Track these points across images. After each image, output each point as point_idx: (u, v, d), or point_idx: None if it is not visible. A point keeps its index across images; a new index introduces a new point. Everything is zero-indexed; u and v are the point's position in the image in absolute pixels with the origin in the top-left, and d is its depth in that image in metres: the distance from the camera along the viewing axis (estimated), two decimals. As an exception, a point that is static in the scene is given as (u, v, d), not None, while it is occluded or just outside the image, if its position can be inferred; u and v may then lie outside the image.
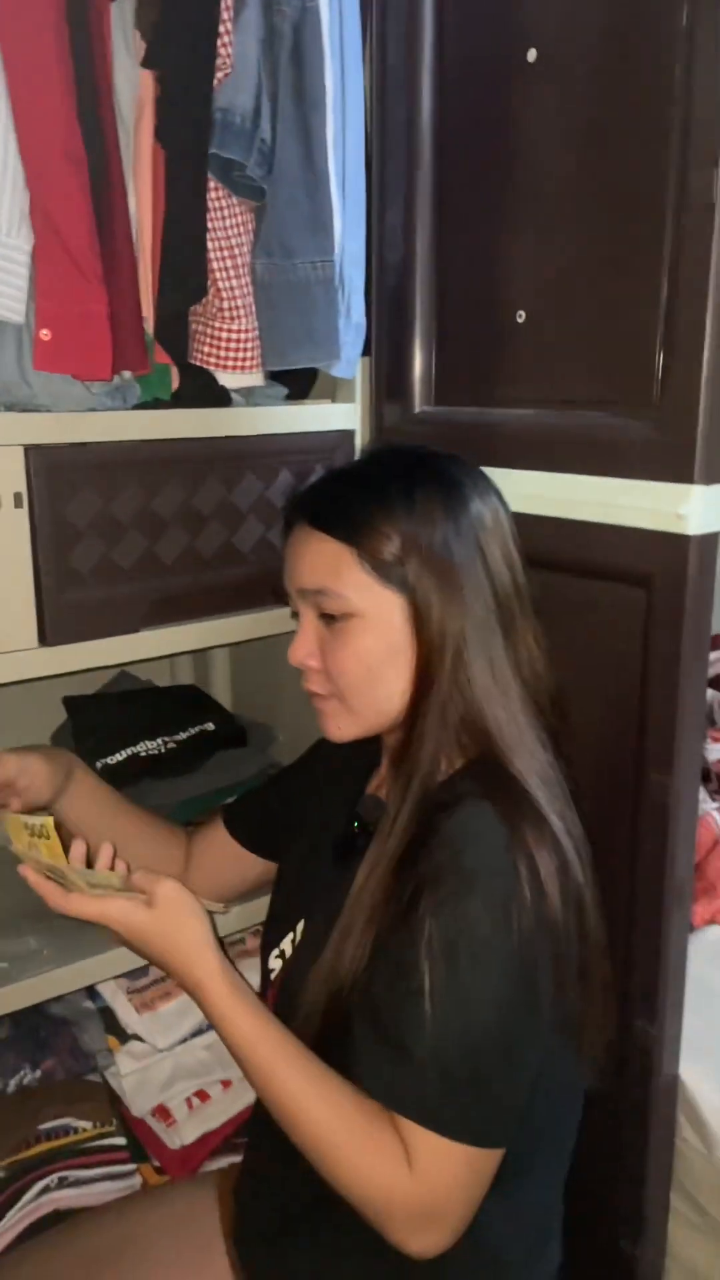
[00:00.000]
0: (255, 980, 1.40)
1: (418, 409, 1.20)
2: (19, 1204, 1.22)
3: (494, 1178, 0.83)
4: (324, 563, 0.87)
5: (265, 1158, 1.02)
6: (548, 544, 1.01)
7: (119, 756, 1.37)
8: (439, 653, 0.85)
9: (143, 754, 1.38)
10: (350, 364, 1.20)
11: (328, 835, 1.00)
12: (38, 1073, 1.24)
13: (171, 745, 1.41)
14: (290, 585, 0.91)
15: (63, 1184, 1.25)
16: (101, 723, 1.44)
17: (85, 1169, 1.26)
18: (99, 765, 1.35)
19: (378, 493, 0.87)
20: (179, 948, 0.87)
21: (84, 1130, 1.28)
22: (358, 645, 0.87)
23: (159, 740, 1.41)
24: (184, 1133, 1.33)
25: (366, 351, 1.23)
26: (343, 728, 0.91)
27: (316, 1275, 0.94)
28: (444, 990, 0.78)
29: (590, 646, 1.02)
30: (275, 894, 1.09)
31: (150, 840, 1.15)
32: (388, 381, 1.23)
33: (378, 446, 1.02)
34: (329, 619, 0.88)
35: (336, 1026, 0.85)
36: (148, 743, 1.40)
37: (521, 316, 1.06)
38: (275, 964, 0.99)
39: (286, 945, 0.99)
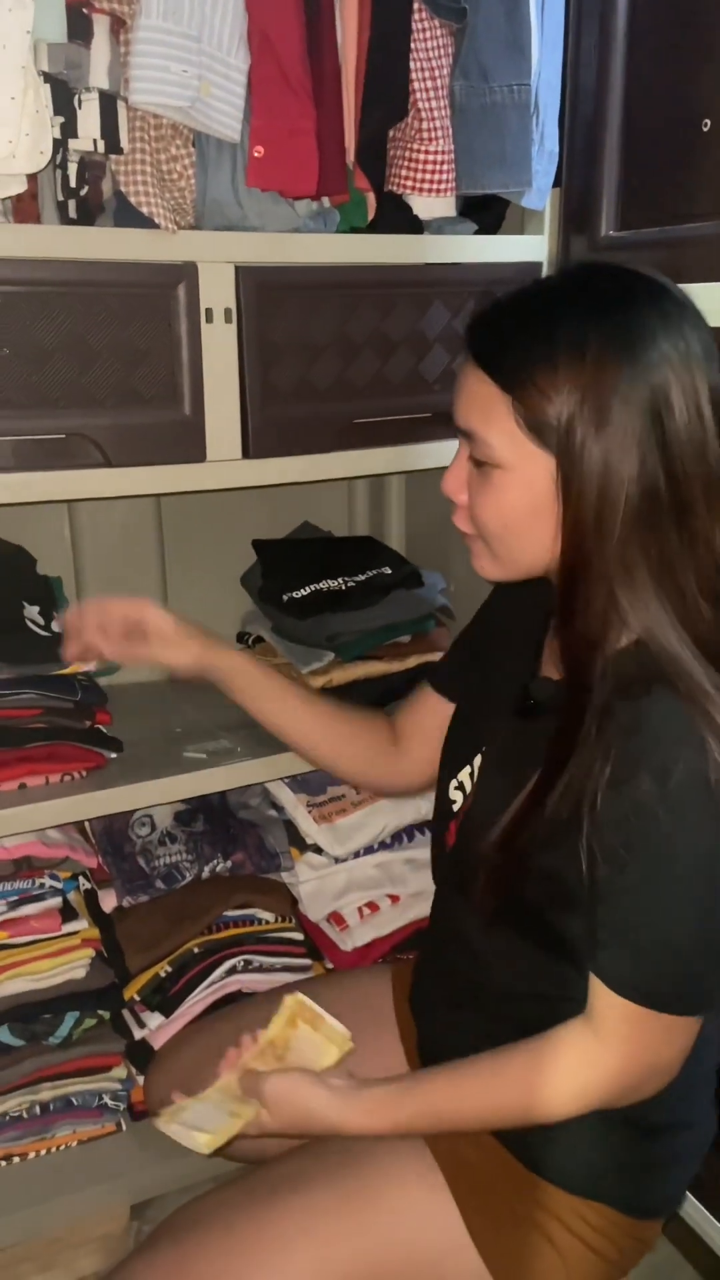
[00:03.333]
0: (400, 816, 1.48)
1: (604, 233, 1.21)
2: (208, 979, 1.35)
3: None
4: (478, 405, 0.82)
5: (439, 945, 1.09)
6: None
7: (303, 591, 1.46)
8: (591, 530, 0.79)
9: (324, 589, 1.46)
10: (541, 194, 1.22)
11: (505, 680, 1.00)
12: (228, 863, 1.36)
13: (351, 584, 1.48)
14: (455, 414, 0.86)
15: (247, 967, 1.37)
16: (287, 563, 1.53)
17: (268, 956, 1.39)
18: (285, 598, 1.45)
19: (545, 336, 0.78)
20: (313, 1123, 0.92)
21: (267, 922, 1.40)
22: (499, 497, 0.83)
23: (339, 579, 1.49)
24: (356, 936, 1.43)
25: (557, 183, 1.25)
26: (487, 569, 0.90)
27: (477, 1046, 1.00)
28: (663, 875, 0.79)
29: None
30: (453, 728, 1.09)
31: (339, 733, 1.16)
32: (577, 212, 1.25)
33: (571, 266, 0.90)
34: (477, 462, 0.84)
35: (515, 896, 0.88)
36: (329, 581, 1.48)
37: (706, 125, 1.05)
38: (455, 796, 1.01)
39: (465, 778, 1.00)
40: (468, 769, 1.01)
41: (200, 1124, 0.92)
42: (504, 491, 0.82)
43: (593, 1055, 0.85)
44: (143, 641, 1.09)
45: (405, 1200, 0.93)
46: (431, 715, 1.13)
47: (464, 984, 1.01)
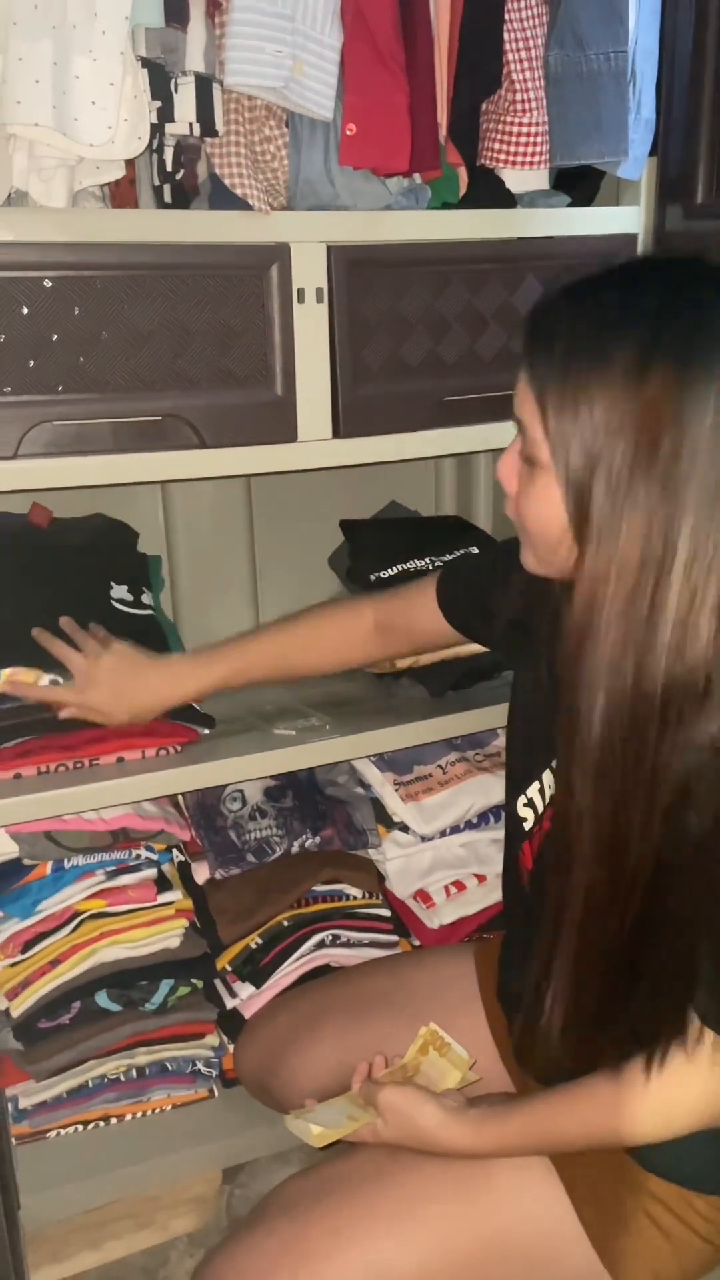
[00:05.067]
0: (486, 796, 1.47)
1: (700, 199, 1.18)
2: (298, 953, 1.37)
3: None
4: (528, 403, 0.76)
5: (526, 955, 1.08)
6: None
7: (390, 571, 1.46)
8: (602, 581, 0.72)
9: (412, 569, 1.46)
10: (637, 163, 1.19)
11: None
12: (317, 839, 1.38)
13: (438, 564, 1.48)
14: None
15: (335, 941, 1.39)
16: (374, 543, 1.53)
17: (356, 931, 1.41)
18: (373, 578, 1.45)
19: (600, 357, 0.70)
20: (422, 1136, 0.94)
21: (354, 898, 1.42)
22: (539, 503, 0.77)
23: (426, 559, 1.48)
24: (442, 914, 1.44)
25: (653, 152, 1.22)
26: (530, 564, 0.85)
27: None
28: None
29: None
30: (513, 731, 1.06)
31: (317, 647, 1.21)
32: (674, 182, 1.22)
33: (644, 265, 0.79)
34: (525, 457, 0.78)
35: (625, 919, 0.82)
36: (416, 560, 1.48)
37: None
38: (526, 814, 0.99)
39: (534, 795, 0.98)
40: (536, 785, 0.98)
41: (318, 1121, 0.99)
42: (546, 497, 0.76)
43: (688, 1081, 0.84)
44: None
45: (519, 1188, 0.93)
46: (424, 619, 1.16)
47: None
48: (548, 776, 0.96)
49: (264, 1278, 0.91)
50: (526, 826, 0.99)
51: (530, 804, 0.99)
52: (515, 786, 1.01)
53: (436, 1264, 0.92)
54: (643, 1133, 0.87)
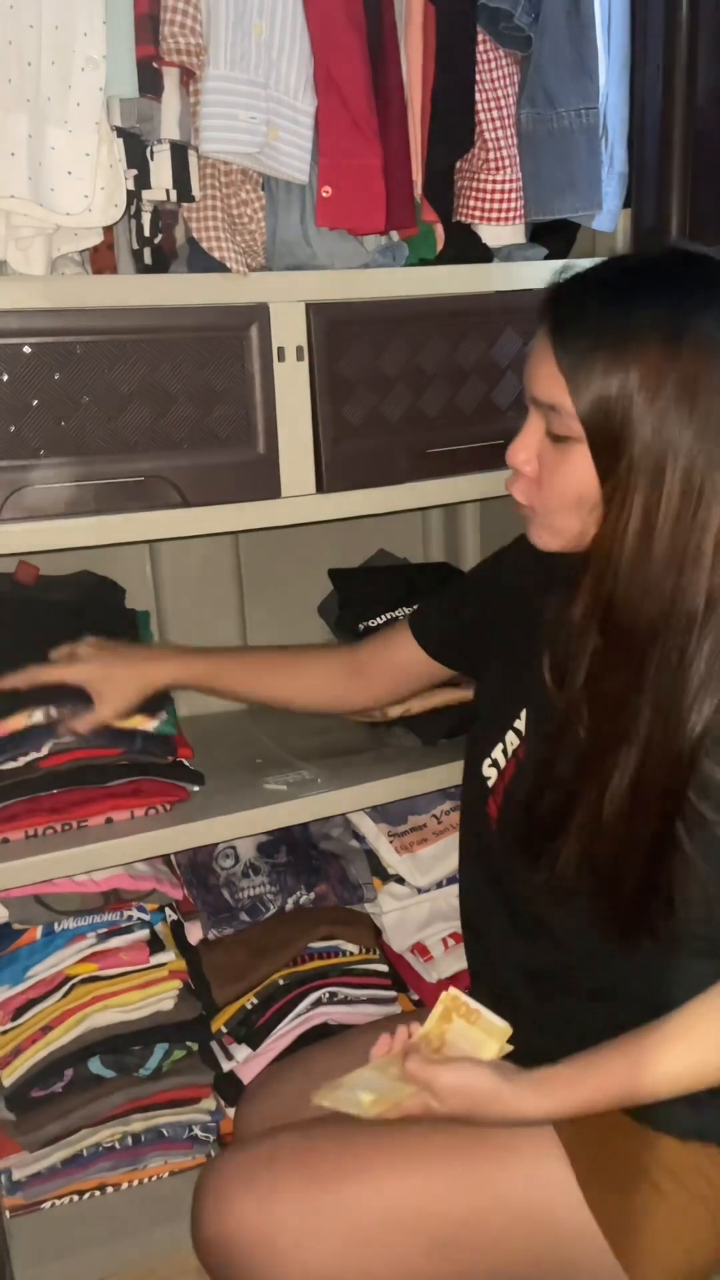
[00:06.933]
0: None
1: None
2: (294, 1012, 1.35)
3: None
4: (560, 382, 0.80)
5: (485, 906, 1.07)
6: None
7: (380, 619, 1.46)
8: (643, 520, 0.79)
9: (400, 618, 1.46)
10: (611, 216, 1.20)
11: (537, 648, 0.95)
12: (312, 894, 1.36)
13: (427, 611, 1.48)
14: (526, 386, 0.86)
15: (333, 999, 1.37)
16: (363, 592, 1.53)
17: (353, 988, 1.38)
18: (361, 627, 1.45)
19: (633, 327, 0.77)
20: (490, 1110, 0.88)
21: (351, 954, 1.40)
22: (574, 472, 0.82)
23: (415, 607, 1.48)
24: (441, 967, 1.42)
25: (627, 204, 1.23)
26: (545, 541, 0.89)
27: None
28: None
29: None
30: (480, 701, 1.10)
31: (293, 674, 1.23)
32: (648, 232, 1.23)
33: (665, 249, 0.87)
34: (555, 436, 0.83)
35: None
36: (405, 609, 1.48)
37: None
38: (490, 773, 1.01)
39: (498, 754, 1.00)
40: (499, 745, 1.00)
41: (363, 1088, 0.90)
42: (583, 465, 0.81)
43: None
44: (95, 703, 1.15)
45: (520, 1154, 0.92)
46: (402, 654, 1.18)
47: (524, 985, 1.00)
48: (510, 736, 0.99)
49: (276, 1189, 0.93)
50: (490, 784, 1.01)
51: (494, 763, 1.01)
52: (480, 752, 1.03)
53: (439, 1206, 0.93)
54: None
